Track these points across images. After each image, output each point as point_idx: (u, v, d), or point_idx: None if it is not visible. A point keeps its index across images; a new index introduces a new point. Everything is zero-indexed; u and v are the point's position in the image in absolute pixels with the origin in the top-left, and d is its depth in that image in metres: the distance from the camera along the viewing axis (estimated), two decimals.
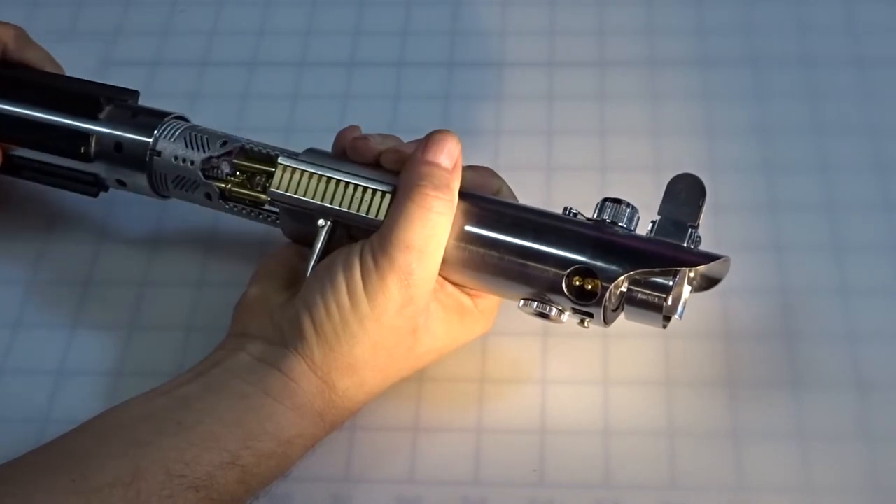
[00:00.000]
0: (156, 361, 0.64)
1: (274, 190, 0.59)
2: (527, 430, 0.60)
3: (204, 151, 0.62)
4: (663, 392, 0.61)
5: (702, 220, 0.56)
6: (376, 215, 0.57)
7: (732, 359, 0.62)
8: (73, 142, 0.63)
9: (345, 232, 0.58)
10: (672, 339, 0.62)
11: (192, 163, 0.62)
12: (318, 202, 0.58)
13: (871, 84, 0.73)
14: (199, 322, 0.65)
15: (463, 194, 0.57)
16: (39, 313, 0.67)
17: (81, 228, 0.70)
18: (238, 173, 0.62)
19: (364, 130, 0.61)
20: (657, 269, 0.54)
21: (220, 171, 0.62)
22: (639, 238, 0.56)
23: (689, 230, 0.55)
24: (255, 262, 0.62)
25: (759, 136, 0.71)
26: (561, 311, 0.56)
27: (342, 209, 0.58)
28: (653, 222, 0.56)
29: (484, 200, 0.58)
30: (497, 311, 0.61)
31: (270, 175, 0.60)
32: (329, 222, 0.58)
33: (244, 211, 0.62)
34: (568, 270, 0.55)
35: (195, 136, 0.63)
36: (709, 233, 0.57)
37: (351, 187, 0.58)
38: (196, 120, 0.65)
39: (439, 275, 0.57)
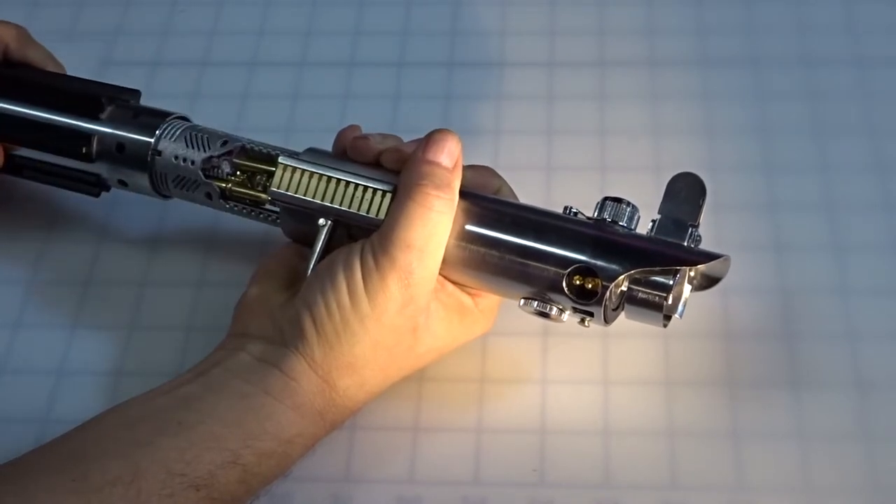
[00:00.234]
0: (156, 361, 0.64)
1: (274, 189, 0.59)
2: (527, 430, 0.60)
3: (204, 151, 0.62)
4: (663, 392, 0.61)
5: (702, 219, 0.56)
6: (377, 214, 0.57)
7: (732, 359, 0.62)
8: (74, 142, 0.63)
9: (345, 231, 0.58)
10: (672, 338, 0.62)
11: (193, 162, 0.62)
12: (319, 201, 0.58)
13: (871, 84, 0.73)
14: (199, 322, 0.65)
15: (463, 193, 0.57)
16: (39, 313, 0.67)
17: (82, 228, 0.70)
18: (238, 173, 0.62)
19: (364, 130, 0.61)
20: (657, 268, 0.54)
21: (220, 171, 0.62)
22: (639, 237, 0.56)
23: (690, 229, 0.55)
24: (255, 262, 0.62)
25: (759, 136, 0.71)
26: (561, 311, 0.56)
27: (343, 208, 0.58)
28: (653, 221, 0.56)
29: (484, 200, 0.58)
30: (497, 310, 0.61)
31: (271, 175, 0.60)
32: (329, 222, 0.58)
33: (245, 210, 0.62)
34: (568, 269, 0.55)
35: (196, 135, 0.63)
36: (709, 233, 0.57)
37: (351, 187, 0.58)
38: (196, 120, 0.65)
39: (440, 274, 0.57)
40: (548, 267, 0.55)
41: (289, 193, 0.59)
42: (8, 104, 0.64)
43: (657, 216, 0.56)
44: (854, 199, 0.68)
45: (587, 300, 0.55)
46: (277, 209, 0.60)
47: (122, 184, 0.65)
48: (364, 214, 0.57)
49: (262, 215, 0.62)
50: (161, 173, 0.63)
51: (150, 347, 0.64)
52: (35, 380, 0.63)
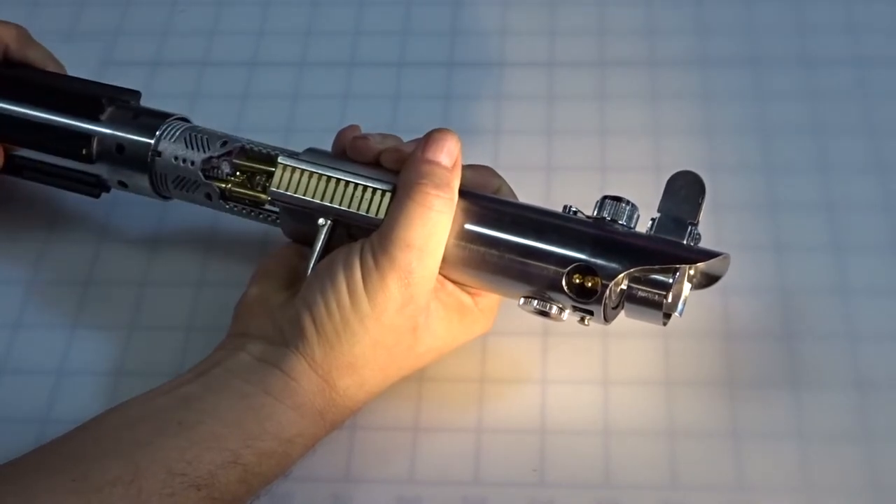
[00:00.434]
0: (156, 361, 0.64)
1: (274, 189, 0.59)
2: (527, 430, 0.60)
3: (204, 152, 0.62)
4: (663, 392, 0.61)
5: (701, 217, 0.56)
6: (376, 214, 0.57)
7: (732, 359, 0.62)
8: (74, 143, 0.63)
9: (345, 231, 0.58)
10: (672, 338, 0.62)
11: (193, 163, 0.62)
12: (319, 201, 0.58)
13: (871, 84, 0.73)
14: (199, 322, 0.65)
15: (463, 193, 0.57)
16: (39, 313, 0.67)
17: (82, 228, 0.70)
18: (238, 173, 0.62)
19: (364, 130, 0.61)
20: (657, 267, 0.54)
21: (220, 172, 0.62)
22: (638, 235, 0.56)
23: (689, 227, 0.55)
24: (255, 262, 0.62)
25: (759, 136, 0.71)
26: (561, 309, 0.56)
27: (342, 208, 0.58)
28: (652, 220, 0.56)
29: (484, 199, 0.58)
30: (497, 309, 0.61)
31: (270, 175, 0.60)
32: (329, 221, 0.58)
33: (244, 211, 0.62)
34: (568, 268, 0.55)
35: (195, 136, 0.63)
36: (708, 233, 0.57)
37: (351, 186, 0.58)
38: (196, 120, 0.65)
39: (439, 273, 0.57)
40: (547, 266, 0.55)
41: (288, 193, 0.59)
42: (8, 105, 0.64)
43: (657, 215, 0.56)
44: (854, 199, 0.68)
45: (587, 299, 0.55)
46: (277, 209, 0.60)
47: (122, 185, 0.65)
48: (364, 214, 0.57)
49: (261, 215, 0.62)
50: (161, 174, 0.63)
51: (150, 347, 0.64)
52: (35, 380, 0.63)
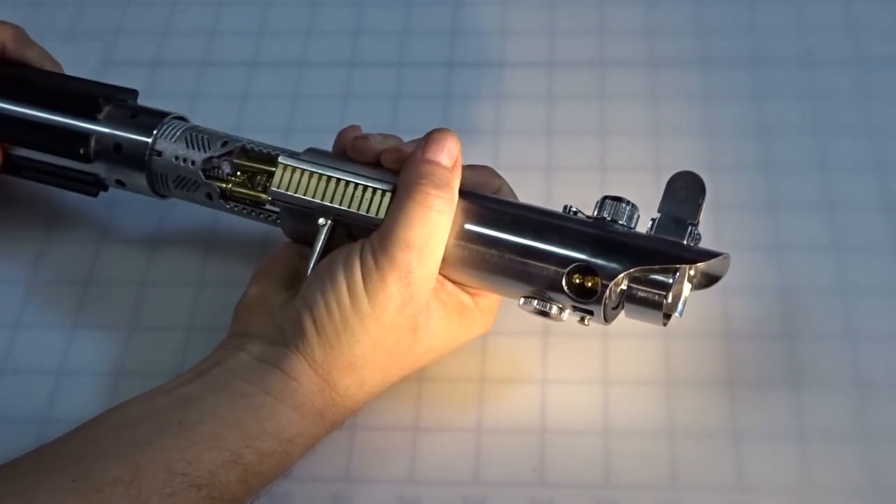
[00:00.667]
0: (156, 361, 0.64)
1: (275, 189, 0.59)
2: (527, 430, 0.60)
3: (205, 151, 0.62)
4: (663, 392, 0.61)
5: (701, 218, 0.56)
6: (377, 214, 0.57)
7: (732, 359, 0.62)
8: (72, 142, 0.63)
9: (345, 231, 0.58)
10: (672, 338, 0.62)
11: (193, 163, 0.62)
12: (319, 201, 0.58)
13: (871, 84, 0.73)
14: (199, 322, 0.65)
15: (463, 193, 0.57)
16: (39, 313, 0.67)
17: (82, 228, 0.70)
18: (239, 173, 0.62)
19: (364, 130, 0.61)
20: (657, 267, 0.54)
21: (220, 171, 0.62)
22: (639, 236, 0.56)
23: (689, 228, 0.55)
24: (255, 262, 0.62)
25: (758, 136, 0.71)
26: (561, 309, 0.56)
27: (343, 208, 0.58)
28: (653, 220, 0.56)
29: (484, 199, 0.58)
30: (497, 309, 0.61)
31: (271, 175, 0.60)
32: (329, 221, 0.58)
33: (245, 211, 0.62)
34: (568, 268, 0.55)
35: (196, 136, 0.63)
36: (708, 232, 0.57)
37: (351, 186, 0.58)
38: (196, 120, 0.65)
39: (439, 273, 0.57)
40: (547, 266, 0.55)
41: (289, 193, 0.59)
42: (5, 104, 0.64)
43: (657, 215, 0.56)
44: (854, 199, 0.68)
45: (587, 299, 0.55)
46: (277, 209, 0.60)
47: (120, 184, 0.65)
48: (364, 214, 0.57)
49: (262, 215, 0.62)
50: (161, 174, 0.63)
51: (150, 347, 0.64)
52: (35, 380, 0.63)
